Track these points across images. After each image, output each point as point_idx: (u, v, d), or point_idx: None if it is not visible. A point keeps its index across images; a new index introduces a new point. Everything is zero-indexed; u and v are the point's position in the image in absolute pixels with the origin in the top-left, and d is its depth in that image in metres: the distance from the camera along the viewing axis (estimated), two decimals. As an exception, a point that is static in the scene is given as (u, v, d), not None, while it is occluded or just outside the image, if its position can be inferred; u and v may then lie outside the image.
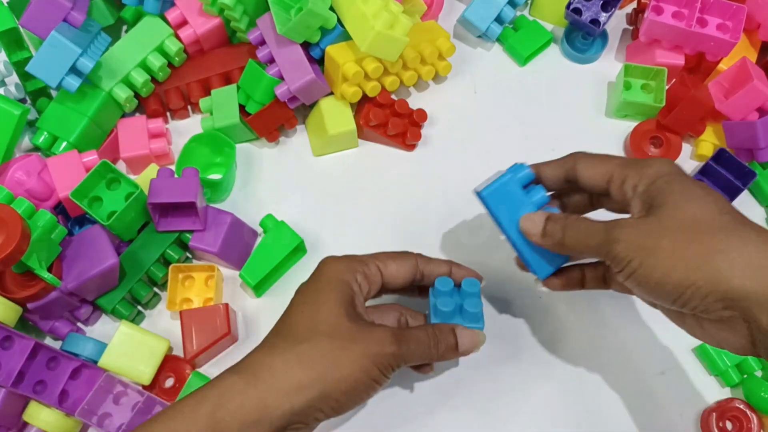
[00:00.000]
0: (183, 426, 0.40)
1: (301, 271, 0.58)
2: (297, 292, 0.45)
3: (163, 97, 0.62)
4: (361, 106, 0.61)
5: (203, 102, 0.61)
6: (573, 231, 0.42)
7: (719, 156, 0.58)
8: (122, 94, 0.59)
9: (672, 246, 0.38)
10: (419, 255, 0.49)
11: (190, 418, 0.40)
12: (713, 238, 0.38)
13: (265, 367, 0.41)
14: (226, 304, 0.54)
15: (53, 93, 0.61)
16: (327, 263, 0.46)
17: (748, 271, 0.36)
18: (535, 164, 0.47)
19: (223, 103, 0.60)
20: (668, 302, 0.39)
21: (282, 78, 0.57)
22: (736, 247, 0.37)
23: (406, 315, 0.49)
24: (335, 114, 0.59)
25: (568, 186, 0.47)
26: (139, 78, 0.58)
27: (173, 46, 0.59)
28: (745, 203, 0.60)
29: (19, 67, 0.57)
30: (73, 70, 0.54)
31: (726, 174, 0.58)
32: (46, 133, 0.57)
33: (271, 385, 0.40)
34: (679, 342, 0.55)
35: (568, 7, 0.62)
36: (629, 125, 0.63)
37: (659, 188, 0.41)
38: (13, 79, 0.59)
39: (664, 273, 0.38)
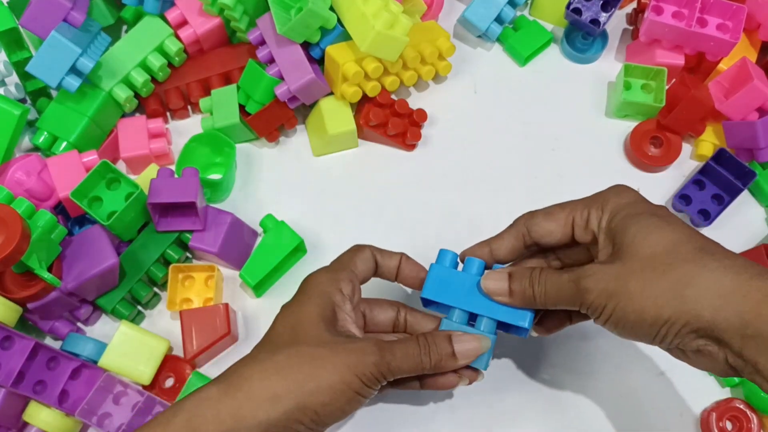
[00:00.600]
0: None
1: (301, 271, 0.57)
2: (281, 308, 0.45)
3: (163, 97, 0.62)
4: (361, 106, 0.61)
5: (203, 102, 0.61)
6: (542, 287, 0.42)
7: (719, 156, 0.58)
8: (122, 94, 0.59)
9: (640, 287, 0.38)
10: (372, 246, 0.48)
11: (167, 427, 0.39)
12: (678, 271, 0.38)
13: (243, 377, 0.41)
14: (226, 304, 0.54)
15: (53, 93, 0.61)
16: (309, 278, 0.46)
17: (715, 300, 0.37)
18: (485, 241, 0.46)
19: (223, 103, 0.60)
20: (647, 341, 0.40)
21: (282, 78, 0.57)
22: (700, 278, 0.38)
23: (405, 312, 0.49)
24: (335, 114, 0.59)
25: (528, 252, 0.46)
26: (139, 78, 0.58)
27: (173, 46, 0.59)
28: (745, 203, 0.60)
29: (19, 67, 0.57)
30: (73, 70, 0.54)
31: (726, 174, 0.58)
32: (46, 133, 0.57)
33: (247, 395, 0.40)
34: (679, 342, 0.55)
35: (568, 7, 0.62)
36: (629, 125, 0.63)
37: (618, 225, 0.41)
38: (13, 79, 0.59)
39: (637, 315, 0.38)
